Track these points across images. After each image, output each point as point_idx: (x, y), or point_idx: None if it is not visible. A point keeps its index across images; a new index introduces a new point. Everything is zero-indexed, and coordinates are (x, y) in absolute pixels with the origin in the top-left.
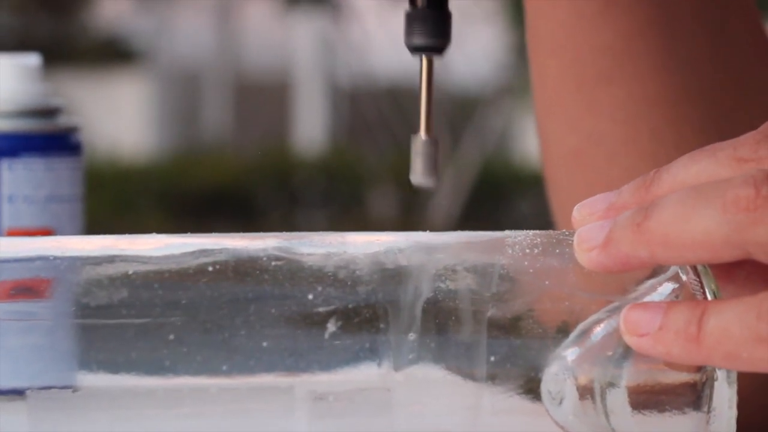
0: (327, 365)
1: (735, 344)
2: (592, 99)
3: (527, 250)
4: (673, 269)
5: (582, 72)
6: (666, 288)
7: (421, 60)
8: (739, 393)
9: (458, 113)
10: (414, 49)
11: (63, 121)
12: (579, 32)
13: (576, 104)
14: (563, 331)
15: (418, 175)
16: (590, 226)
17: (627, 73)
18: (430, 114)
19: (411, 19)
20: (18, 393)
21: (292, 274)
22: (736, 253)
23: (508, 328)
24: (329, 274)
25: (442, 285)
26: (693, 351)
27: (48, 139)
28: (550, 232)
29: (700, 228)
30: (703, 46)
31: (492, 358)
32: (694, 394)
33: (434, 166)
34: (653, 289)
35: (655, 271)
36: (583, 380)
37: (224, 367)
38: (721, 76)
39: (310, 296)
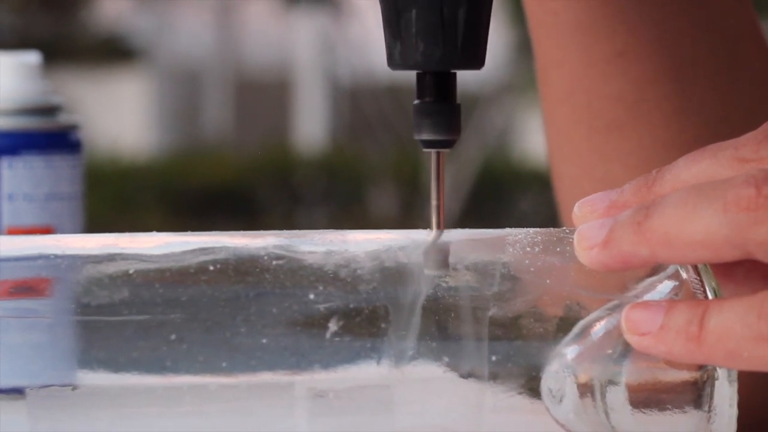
0: (327, 363)
1: (736, 343)
2: (605, 146)
3: (528, 248)
4: (673, 267)
5: (593, 120)
6: (666, 286)
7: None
8: (740, 392)
9: None
10: (424, 144)
11: (63, 119)
12: (590, 81)
13: (589, 151)
14: (563, 329)
15: (431, 270)
16: (591, 224)
17: (638, 121)
18: (441, 208)
19: (419, 113)
20: (18, 391)
21: (293, 272)
22: (737, 253)
23: (508, 326)
24: (330, 272)
25: (443, 283)
26: (694, 350)
27: (48, 137)
28: (551, 229)
29: (701, 227)
30: (716, 89)
31: (492, 356)
32: (694, 393)
33: (446, 259)
34: (653, 287)
35: (656, 269)
36: (583, 378)
37: (224, 365)
38: (737, 113)
39: (311, 295)
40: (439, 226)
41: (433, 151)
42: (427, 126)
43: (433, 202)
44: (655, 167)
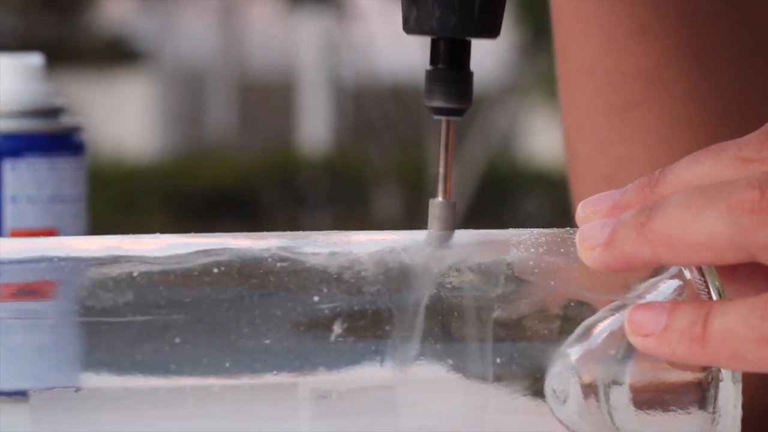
0: (331, 364)
1: (739, 345)
2: (623, 123)
3: (532, 249)
4: (676, 267)
5: (613, 96)
6: (669, 286)
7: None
8: (744, 392)
9: None
10: (434, 111)
11: (66, 121)
12: (611, 57)
13: (607, 128)
14: (567, 330)
15: (435, 240)
16: (593, 224)
17: (658, 99)
18: (448, 177)
19: (431, 79)
20: (21, 393)
21: (297, 274)
22: (740, 256)
23: (512, 327)
24: (334, 274)
25: (447, 284)
26: (698, 352)
27: (51, 139)
28: (555, 230)
29: (705, 230)
30: (736, 67)
31: (496, 358)
32: (699, 394)
33: (451, 230)
34: (657, 287)
35: (659, 269)
36: (587, 379)
37: (228, 367)
38: (754, 95)
39: (315, 296)
40: (444, 195)
41: (443, 118)
42: (439, 93)
43: (441, 170)
44: (673, 146)
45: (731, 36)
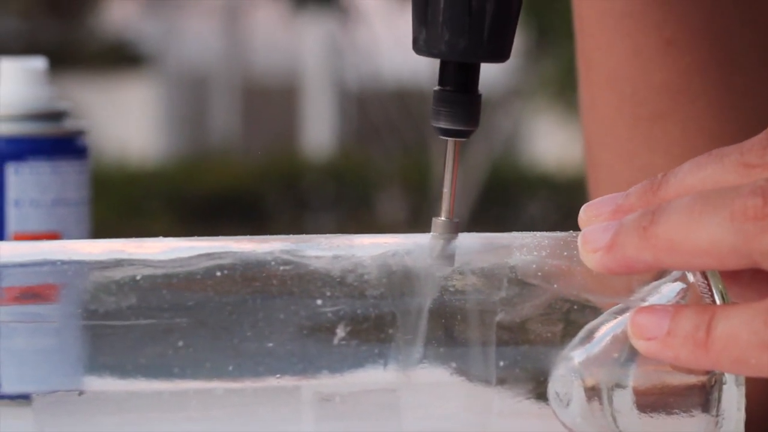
0: (334, 368)
1: (742, 350)
2: (648, 134)
3: (535, 252)
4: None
5: (638, 107)
6: (672, 289)
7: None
8: (748, 395)
9: None
10: (440, 132)
11: (70, 124)
12: (636, 68)
13: (631, 138)
14: (570, 333)
15: (437, 259)
16: (595, 227)
17: (684, 111)
18: (452, 197)
19: (438, 100)
20: (24, 397)
21: (300, 277)
22: (742, 262)
23: (515, 330)
24: (337, 277)
25: (450, 287)
26: (701, 356)
27: (55, 142)
28: (558, 233)
29: (707, 236)
30: (761, 79)
31: (499, 361)
32: (702, 396)
33: (453, 250)
34: (660, 289)
35: (662, 271)
36: (590, 382)
37: (231, 370)
38: None
39: (318, 300)
40: (448, 214)
41: (449, 139)
42: (445, 114)
43: (445, 190)
44: None
45: (757, 48)
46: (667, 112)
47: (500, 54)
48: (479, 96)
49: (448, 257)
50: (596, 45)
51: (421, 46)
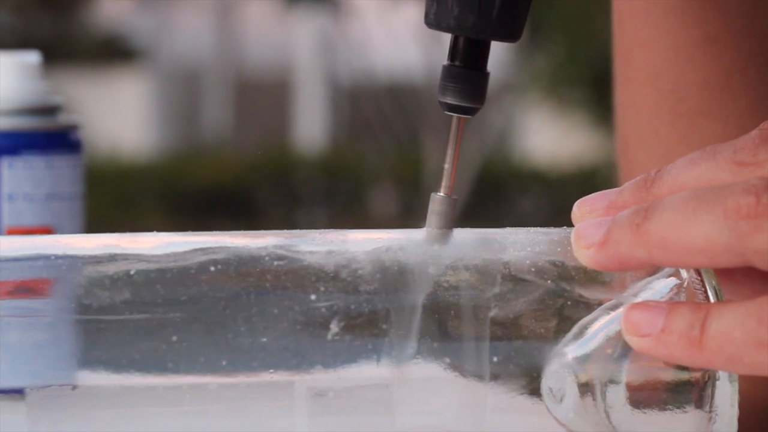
0: (328, 363)
1: (736, 349)
2: (688, 132)
3: (528, 248)
4: None
5: (678, 104)
6: (666, 285)
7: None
8: (741, 392)
9: None
10: (446, 107)
11: (63, 119)
12: (677, 65)
13: (671, 136)
14: (564, 328)
15: (433, 234)
16: (588, 223)
17: (725, 108)
18: (453, 173)
19: (446, 75)
20: (18, 391)
21: (294, 272)
22: (735, 260)
23: (509, 325)
24: (331, 272)
25: (444, 283)
26: (695, 355)
27: (48, 137)
28: (551, 229)
29: (700, 233)
30: None
31: (493, 356)
32: (695, 393)
33: (450, 226)
34: (653, 285)
35: (656, 267)
36: (583, 378)
37: (224, 365)
38: None
39: (312, 295)
40: (447, 190)
41: (454, 115)
42: (452, 90)
43: (446, 166)
44: None
45: None
46: (707, 109)
47: (510, 33)
48: (487, 74)
49: (445, 235)
50: (637, 41)
51: (431, 19)
